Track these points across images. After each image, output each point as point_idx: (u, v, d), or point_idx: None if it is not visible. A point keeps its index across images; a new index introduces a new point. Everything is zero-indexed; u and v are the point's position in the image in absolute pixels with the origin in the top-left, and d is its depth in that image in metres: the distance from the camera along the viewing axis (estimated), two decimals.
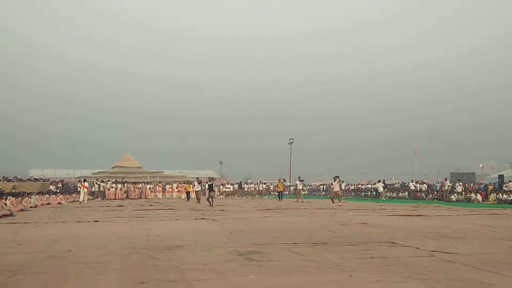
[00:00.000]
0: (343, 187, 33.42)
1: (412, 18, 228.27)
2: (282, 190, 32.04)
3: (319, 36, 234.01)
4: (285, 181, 34.64)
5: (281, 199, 30.58)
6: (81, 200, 29.75)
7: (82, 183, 32.66)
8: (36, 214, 15.61)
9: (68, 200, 28.36)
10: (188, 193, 33.89)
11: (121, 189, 37.40)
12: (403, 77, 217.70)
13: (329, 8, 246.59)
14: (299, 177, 30.48)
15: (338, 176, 22.49)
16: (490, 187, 33.40)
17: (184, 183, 40.69)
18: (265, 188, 46.04)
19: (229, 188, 44.56)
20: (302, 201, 26.85)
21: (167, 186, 43.13)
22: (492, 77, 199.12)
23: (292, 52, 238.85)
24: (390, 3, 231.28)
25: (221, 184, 47.25)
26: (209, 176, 26.37)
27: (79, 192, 32.92)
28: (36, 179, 38.09)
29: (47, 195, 26.00)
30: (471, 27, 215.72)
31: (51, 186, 33.57)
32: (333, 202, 21.93)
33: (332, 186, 23.56)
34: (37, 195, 23.69)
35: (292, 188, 41.41)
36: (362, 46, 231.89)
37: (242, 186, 43.37)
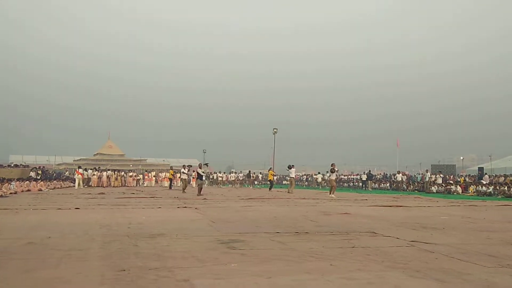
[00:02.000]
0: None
1: (397, 18, 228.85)
2: (272, 179, 31.10)
3: (305, 31, 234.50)
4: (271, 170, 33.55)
5: (270, 188, 29.24)
6: (76, 186, 29.74)
7: (77, 170, 32.73)
8: (15, 200, 15.41)
9: (49, 187, 28.04)
10: (171, 180, 31.82)
11: (108, 176, 37.26)
12: (387, 75, 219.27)
13: (323, 4, 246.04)
14: (292, 165, 27.85)
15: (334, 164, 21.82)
16: (461, 179, 33.94)
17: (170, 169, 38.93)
18: (254, 177, 46.42)
19: (221, 177, 44.92)
20: (291, 192, 24.69)
21: (150, 174, 43.05)
22: (474, 78, 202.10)
23: (277, 47, 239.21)
24: (387, 1, 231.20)
25: (214, 173, 47.47)
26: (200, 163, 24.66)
27: (75, 179, 32.97)
28: (16, 165, 37.52)
29: (27, 182, 25.70)
30: (461, 28, 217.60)
31: (31, 172, 33.13)
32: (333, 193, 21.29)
33: (329, 175, 22.58)
34: (17, 182, 23.39)
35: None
36: (350, 43, 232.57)
37: (251, 175, 43.68)
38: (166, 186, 35.17)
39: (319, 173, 46.55)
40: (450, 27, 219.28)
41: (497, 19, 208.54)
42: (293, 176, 27.68)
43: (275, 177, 37.76)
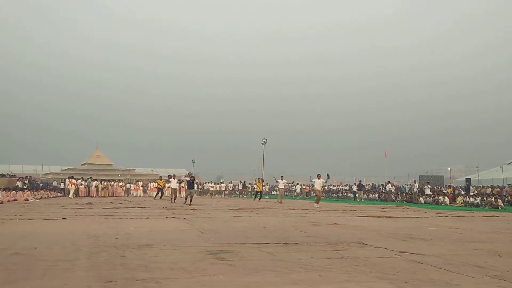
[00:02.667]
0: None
1: (389, 27, 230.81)
2: (261, 189, 31.39)
3: (296, 37, 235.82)
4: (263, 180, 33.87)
5: (259, 198, 29.71)
6: (70, 196, 30.16)
7: (70, 179, 33.28)
8: (1, 210, 15.20)
9: (35, 196, 27.73)
10: (160, 190, 31.49)
11: (96, 186, 37.13)
12: (376, 84, 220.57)
13: (313, 9, 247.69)
14: (281, 176, 28.44)
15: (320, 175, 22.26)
16: (449, 190, 34.36)
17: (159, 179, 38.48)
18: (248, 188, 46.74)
19: (213, 187, 45.12)
20: (280, 202, 25.26)
21: (139, 184, 42.91)
22: (464, 88, 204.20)
23: (268, 52, 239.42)
24: (382, 8, 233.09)
25: (204, 183, 47.78)
26: (188, 172, 25.45)
27: (62, 189, 33.15)
28: (2, 175, 37.09)
29: (14, 191, 25.39)
30: (455, 37, 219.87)
31: (18, 182, 32.79)
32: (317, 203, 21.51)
33: (313, 185, 22.99)
34: (3, 191, 23.12)
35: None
36: (342, 49, 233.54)
37: (246, 185, 44.13)
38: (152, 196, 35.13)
39: (297, 184, 47.88)
40: (443, 37, 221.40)
41: (496, 26, 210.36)
42: (282, 187, 27.87)
43: (264, 187, 38.04)
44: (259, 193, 30.74)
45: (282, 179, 27.98)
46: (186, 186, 22.65)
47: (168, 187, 28.09)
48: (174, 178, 26.02)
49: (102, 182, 39.09)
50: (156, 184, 35.10)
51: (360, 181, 41.61)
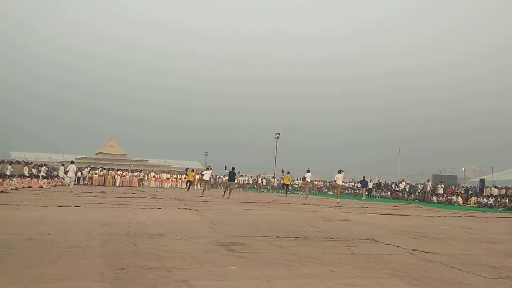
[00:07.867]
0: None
1: (403, 24, 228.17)
2: (289, 183, 31.13)
3: (315, 36, 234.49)
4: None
5: (285, 193, 30.09)
6: (117, 184, 34.60)
7: (116, 171, 35.43)
8: (16, 196, 15.42)
9: (50, 184, 28.06)
10: (189, 182, 31.48)
11: (112, 176, 37.76)
12: (390, 82, 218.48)
13: (330, 10, 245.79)
14: (308, 169, 28.10)
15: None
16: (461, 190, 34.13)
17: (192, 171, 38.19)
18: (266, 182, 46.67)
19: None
20: (306, 197, 25.66)
21: (150, 175, 43.09)
22: (479, 87, 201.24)
23: (283, 52, 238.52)
24: (395, 6, 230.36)
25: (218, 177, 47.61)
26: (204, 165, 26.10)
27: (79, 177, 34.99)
28: (18, 162, 37.57)
29: (29, 178, 25.72)
30: (468, 36, 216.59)
31: (33, 169, 33.18)
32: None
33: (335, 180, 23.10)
34: (19, 178, 23.42)
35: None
36: (356, 49, 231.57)
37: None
38: (166, 187, 35.47)
39: (273, 177, 46.67)
40: (457, 35, 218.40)
41: (504, 28, 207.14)
42: (309, 181, 28.46)
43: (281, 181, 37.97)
44: (286, 187, 30.51)
45: (308, 172, 27.85)
46: (227, 178, 22.37)
47: (198, 180, 28.41)
48: (209, 170, 26.31)
49: (109, 170, 39.16)
50: (185, 176, 35.78)
51: (364, 177, 40.44)
